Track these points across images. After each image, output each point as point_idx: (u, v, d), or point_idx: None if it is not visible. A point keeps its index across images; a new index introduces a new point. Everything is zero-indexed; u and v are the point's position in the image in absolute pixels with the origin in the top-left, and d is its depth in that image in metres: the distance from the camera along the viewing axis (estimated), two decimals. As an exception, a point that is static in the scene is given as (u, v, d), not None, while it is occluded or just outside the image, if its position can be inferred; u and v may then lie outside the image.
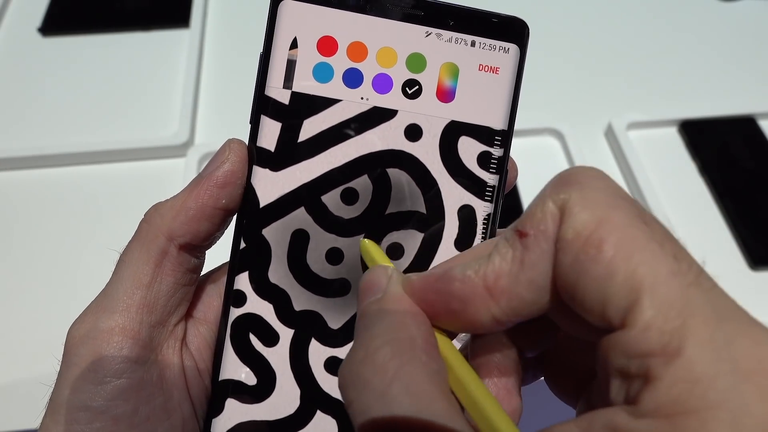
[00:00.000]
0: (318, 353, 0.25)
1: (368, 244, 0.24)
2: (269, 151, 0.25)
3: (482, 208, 0.25)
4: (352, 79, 0.25)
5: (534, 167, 0.61)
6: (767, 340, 0.14)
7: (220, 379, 0.25)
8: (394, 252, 0.25)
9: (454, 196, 0.25)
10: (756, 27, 0.76)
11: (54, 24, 0.72)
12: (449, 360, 0.18)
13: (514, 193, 0.59)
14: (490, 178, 0.25)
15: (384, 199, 0.25)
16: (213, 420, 0.25)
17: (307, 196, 0.25)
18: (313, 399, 0.25)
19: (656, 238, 0.16)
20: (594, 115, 0.66)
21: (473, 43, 0.25)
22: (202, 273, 0.26)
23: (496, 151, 0.25)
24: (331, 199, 0.25)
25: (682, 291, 0.15)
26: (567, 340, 0.21)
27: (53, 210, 0.58)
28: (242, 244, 0.25)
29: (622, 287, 0.15)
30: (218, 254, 0.27)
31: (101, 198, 0.59)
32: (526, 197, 0.58)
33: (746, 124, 0.64)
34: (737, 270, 0.56)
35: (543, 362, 0.22)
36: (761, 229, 0.57)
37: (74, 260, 0.54)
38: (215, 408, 0.25)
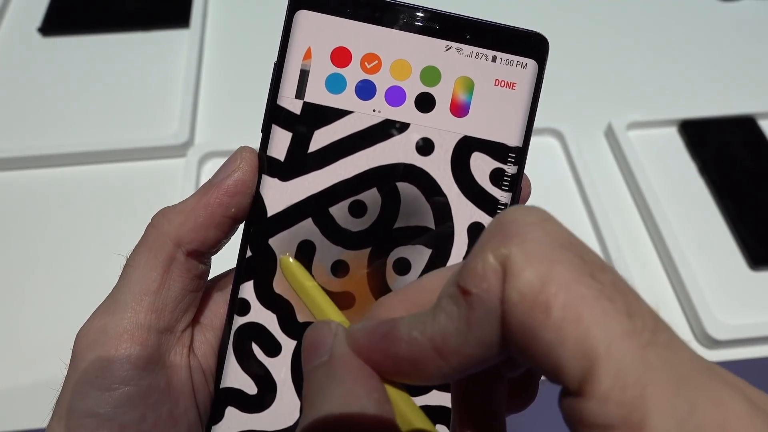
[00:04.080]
0: None
1: (288, 262, 0.23)
2: (279, 160, 0.25)
3: None
4: (365, 91, 0.24)
5: (534, 168, 0.61)
6: (728, 398, 0.14)
7: (221, 386, 0.25)
8: (401, 267, 0.25)
9: (464, 212, 0.25)
10: (756, 27, 0.76)
11: (54, 24, 0.72)
12: (407, 422, 0.18)
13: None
14: (503, 196, 0.25)
15: (392, 213, 0.25)
16: (213, 427, 0.25)
17: (315, 207, 0.25)
18: None
19: (605, 293, 0.15)
20: (594, 115, 0.66)
21: (494, 58, 0.24)
22: (210, 278, 0.26)
23: (510, 169, 0.25)
24: (339, 211, 0.25)
25: (639, 353, 0.14)
26: None
27: (53, 210, 0.58)
28: (248, 253, 0.25)
29: (574, 354, 0.14)
30: (226, 260, 0.27)
31: (101, 198, 0.59)
32: (528, 201, 0.58)
33: (746, 124, 0.65)
34: (737, 270, 0.56)
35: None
36: (761, 229, 0.58)
37: (75, 260, 0.54)
38: (216, 415, 0.25)
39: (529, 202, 0.58)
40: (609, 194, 0.60)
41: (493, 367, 0.19)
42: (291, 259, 0.23)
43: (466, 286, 0.16)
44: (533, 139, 0.72)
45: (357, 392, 0.17)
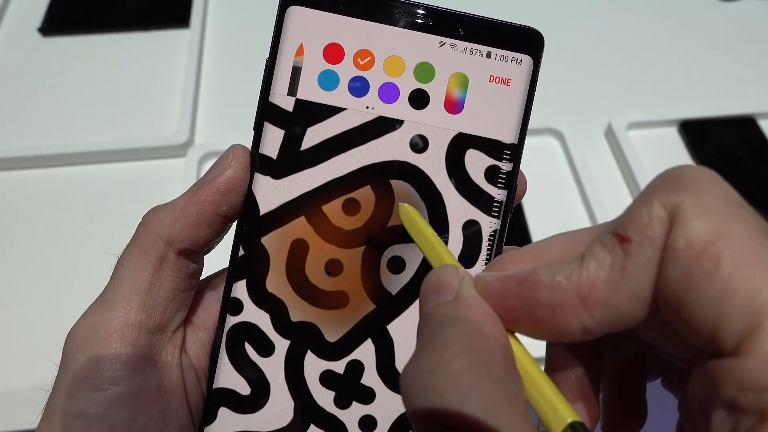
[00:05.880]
0: (313, 366, 0.25)
1: (410, 210, 0.22)
2: (271, 158, 0.24)
3: (488, 224, 0.25)
4: (358, 87, 0.24)
5: (534, 167, 0.61)
6: None
7: (214, 387, 0.25)
8: (396, 266, 0.25)
9: (459, 210, 0.24)
10: (756, 27, 0.76)
11: (54, 24, 0.72)
12: (527, 373, 0.17)
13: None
14: (498, 194, 0.25)
15: (386, 211, 0.24)
16: (206, 428, 0.25)
17: (308, 205, 0.24)
18: (306, 412, 0.25)
19: None
20: (594, 115, 0.66)
21: (488, 54, 0.24)
22: (202, 278, 0.26)
23: (505, 166, 0.24)
24: (332, 209, 0.24)
25: None
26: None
27: (53, 210, 0.58)
28: (241, 252, 0.25)
29: (740, 310, 0.14)
30: (219, 259, 0.27)
31: (101, 198, 0.59)
32: (528, 199, 0.58)
33: (746, 124, 0.64)
34: None
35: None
36: (761, 229, 0.57)
37: (74, 261, 0.54)
38: (209, 416, 0.25)
39: (528, 202, 0.58)
40: (609, 194, 0.60)
41: (593, 345, 0.18)
42: (411, 208, 0.22)
43: (626, 233, 0.16)
44: (533, 139, 0.71)
45: (484, 332, 0.16)
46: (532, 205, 0.58)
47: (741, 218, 0.15)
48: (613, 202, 0.60)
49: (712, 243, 0.14)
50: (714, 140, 0.63)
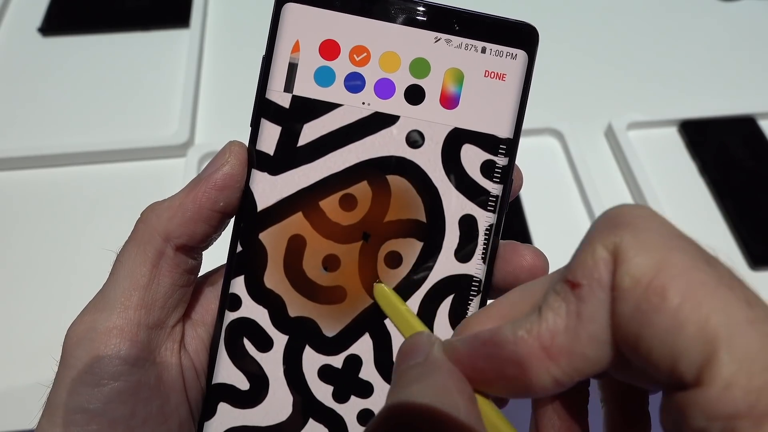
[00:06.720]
0: (312, 360, 0.25)
1: (385, 289, 0.24)
2: (268, 154, 0.24)
3: (484, 219, 0.25)
4: (354, 83, 0.24)
5: (534, 167, 0.61)
6: None
7: (213, 382, 0.25)
8: (393, 260, 0.25)
9: (455, 205, 0.25)
10: (756, 27, 0.76)
11: (54, 24, 0.72)
12: (496, 430, 0.17)
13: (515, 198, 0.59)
14: (494, 188, 0.25)
15: (383, 206, 0.25)
16: (205, 423, 0.25)
17: (305, 201, 0.25)
18: (305, 406, 0.25)
19: (725, 282, 0.14)
20: (594, 115, 0.66)
21: (483, 50, 0.24)
22: (201, 274, 0.26)
23: (501, 160, 0.25)
24: (330, 204, 0.25)
25: (763, 342, 0.13)
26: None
27: (53, 210, 0.58)
28: (239, 248, 0.25)
29: (694, 340, 0.14)
30: (217, 255, 0.27)
31: (101, 198, 0.59)
32: (528, 200, 0.58)
33: (746, 124, 0.64)
34: (737, 270, 0.56)
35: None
36: (761, 229, 0.57)
37: (74, 260, 0.54)
38: (208, 411, 0.25)
39: (529, 202, 0.58)
40: (609, 194, 0.60)
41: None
42: (385, 287, 0.24)
43: (576, 279, 0.16)
44: (533, 139, 0.71)
45: (449, 388, 0.17)
46: (532, 205, 0.58)
47: (681, 249, 0.15)
48: (613, 202, 0.59)
49: (656, 277, 0.15)
50: (714, 140, 0.63)
